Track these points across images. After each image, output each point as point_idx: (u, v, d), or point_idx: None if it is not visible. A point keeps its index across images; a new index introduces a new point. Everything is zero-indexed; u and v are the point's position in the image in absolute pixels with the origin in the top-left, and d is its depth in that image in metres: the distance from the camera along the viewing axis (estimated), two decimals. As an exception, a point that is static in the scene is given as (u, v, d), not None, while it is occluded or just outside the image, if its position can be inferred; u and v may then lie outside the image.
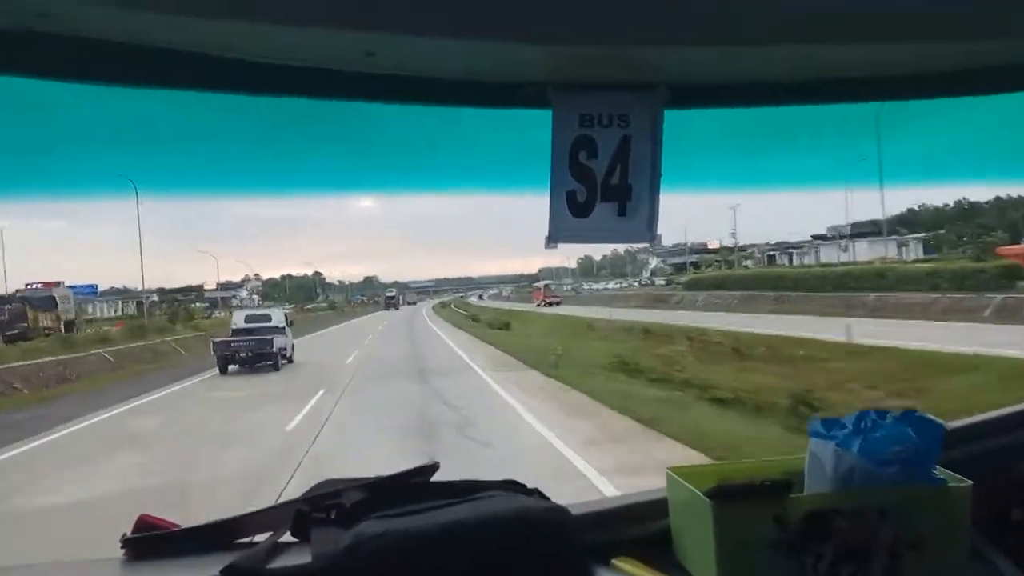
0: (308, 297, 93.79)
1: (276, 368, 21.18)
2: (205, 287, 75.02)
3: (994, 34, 0.98)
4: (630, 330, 27.24)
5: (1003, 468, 1.31)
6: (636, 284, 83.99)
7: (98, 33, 0.90)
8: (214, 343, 21.86)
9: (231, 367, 21.21)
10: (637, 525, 1.27)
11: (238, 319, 24.78)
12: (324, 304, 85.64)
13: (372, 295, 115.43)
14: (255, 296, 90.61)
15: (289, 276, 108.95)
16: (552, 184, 1.14)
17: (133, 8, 0.82)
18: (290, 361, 22.95)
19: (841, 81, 1.16)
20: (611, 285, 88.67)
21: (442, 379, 17.82)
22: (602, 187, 1.14)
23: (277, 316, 24.65)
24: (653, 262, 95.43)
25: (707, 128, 1.44)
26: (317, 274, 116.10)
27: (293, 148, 1.73)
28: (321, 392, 15.97)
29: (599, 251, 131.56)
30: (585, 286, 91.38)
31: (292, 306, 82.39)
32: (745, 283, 43.95)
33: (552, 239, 1.17)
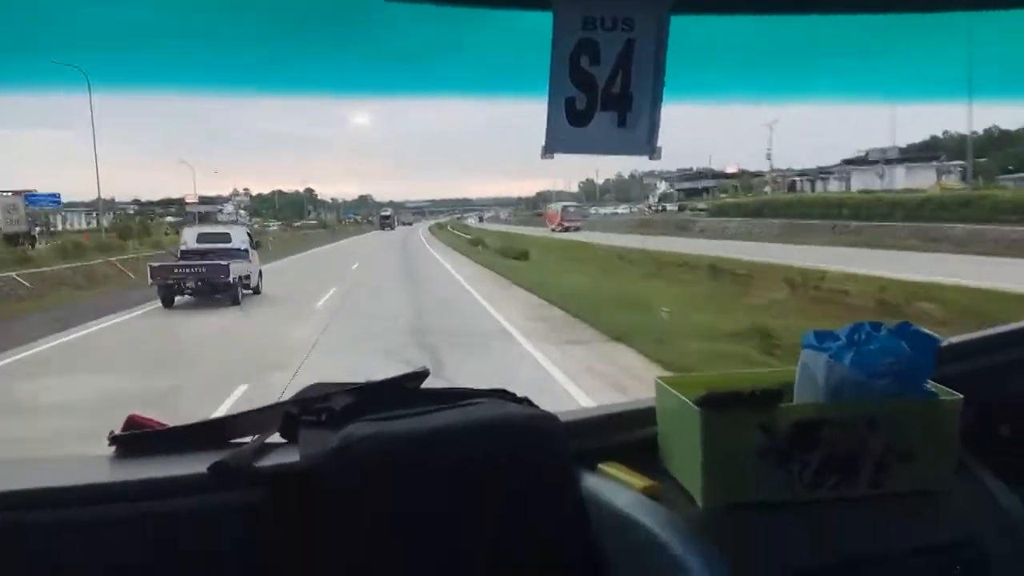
0: (298, 214, 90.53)
1: (236, 301, 16.51)
2: (187, 200, 68.61)
3: None
4: (685, 266, 20.49)
5: (995, 385, 1.31)
6: (647, 209, 79.10)
7: None
8: (151, 268, 16.92)
9: (179, 298, 16.81)
10: (625, 432, 1.28)
11: (188, 238, 19.42)
12: (314, 222, 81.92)
13: (367, 214, 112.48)
14: (242, 211, 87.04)
15: (280, 192, 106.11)
16: (551, 90, 1.10)
17: None
18: (256, 292, 18.36)
19: None
20: (620, 210, 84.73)
21: (466, 358, 9.78)
22: (603, 95, 1.10)
23: (238, 235, 19.26)
24: (661, 186, 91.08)
25: (717, 36, 1.38)
26: (309, 191, 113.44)
27: (286, 46, 1.68)
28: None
29: (602, 174, 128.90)
30: (592, 210, 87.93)
31: (279, 224, 78.95)
32: (790, 210, 37.57)
33: (549, 149, 1.13)
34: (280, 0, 1.17)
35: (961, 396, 1.13)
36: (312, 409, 1.17)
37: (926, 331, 1.11)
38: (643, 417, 1.27)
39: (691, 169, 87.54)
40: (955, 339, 1.38)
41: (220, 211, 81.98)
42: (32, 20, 1.33)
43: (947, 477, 1.14)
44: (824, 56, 1.64)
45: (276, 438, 1.17)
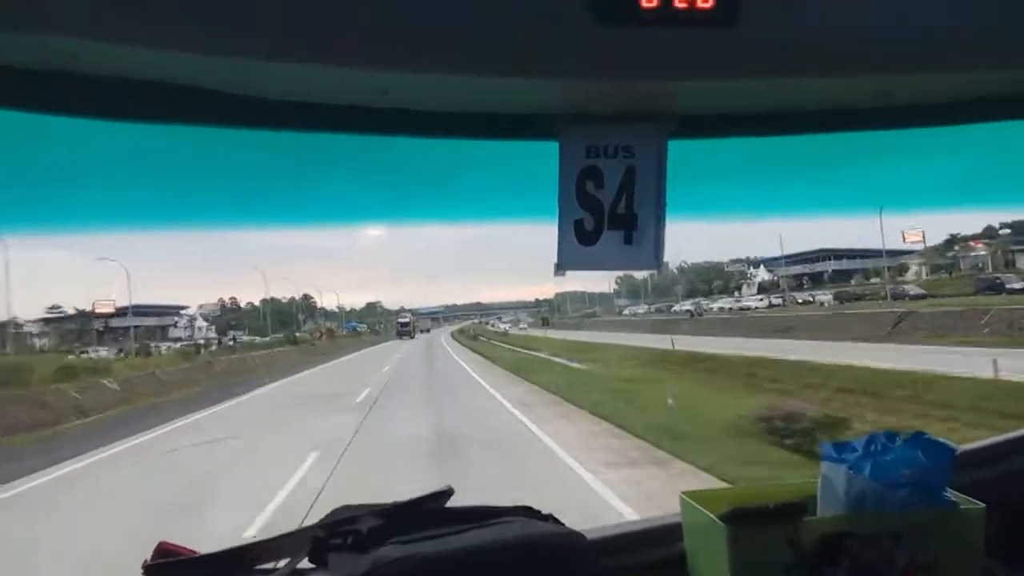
0: (285, 325, 79.82)
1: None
2: (96, 309, 55.34)
3: (997, 63, 1.04)
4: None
5: (1016, 491, 1.34)
6: (743, 303, 61.25)
7: (125, 72, 0.97)
8: None
9: None
10: (652, 549, 1.31)
11: None
12: (282, 337, 63.20)
13: (374, 323, 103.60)
14: (199, 323, 74.22)
15: (273, 299, 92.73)
16: (560, 213, 1.21)
17: (159, 48, 0.89)
18: None
19: (847, 111, 1.22)
20: (682, 307, 67.56)
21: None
22: (609, 216, 1.20)
23: None
24: (759, 273, 75.39)
25: (715, 157, 1.51)
26: (306, 298, 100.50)
27: (302, 180, 1.80)
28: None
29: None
30: (634, 309, 78.24)
31: (231, 337, 65.43)
32: None
33: (561, 266, 1.24)
34: (285, 138, 1.28)
35: (983, 505, 1.17)
36: (339, 532, 1.20)
37: (940, 440, 1.17)
38: (669, 533, 1.30)
39: (792, 253, 69.33)
40: (968, 446, 1.42)
41: (174, 324, 71.62)
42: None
43: None
44: (821, 170, 1.77)
45: (305, 563, 1.20)
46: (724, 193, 1.76)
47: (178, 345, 51.20)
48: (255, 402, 22.12)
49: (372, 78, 0.99)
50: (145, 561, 1.20)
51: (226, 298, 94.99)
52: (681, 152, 1.26)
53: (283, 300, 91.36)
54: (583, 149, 1.20)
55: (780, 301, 57.66)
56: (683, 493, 1.27)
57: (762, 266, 76.40)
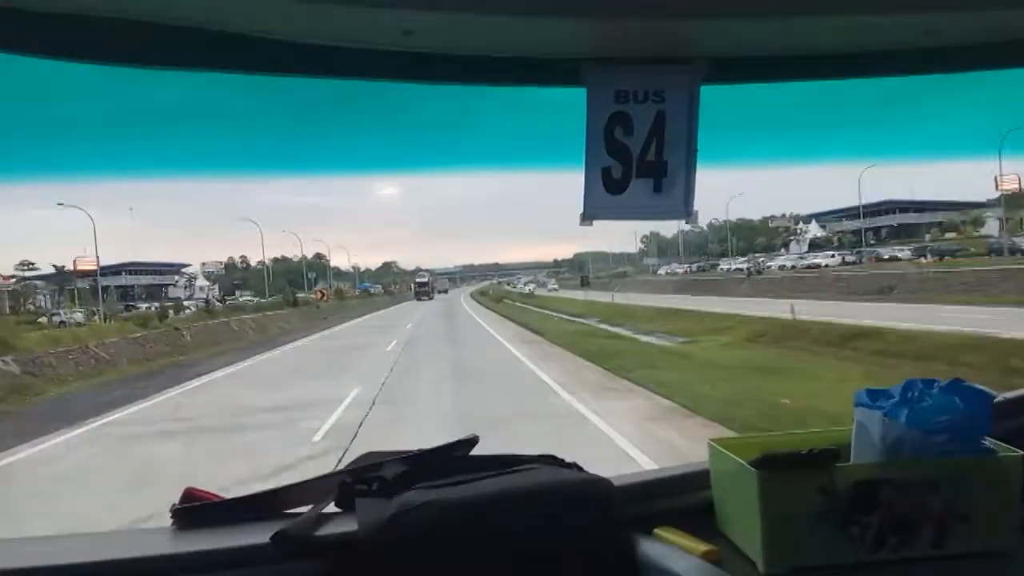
0: (294, 285, 73.59)
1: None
2: (77, 266, 47.17)
3: None
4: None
5: None
6: (790, 265, 55.20)
7: (136, 14, 0.94)
8: None
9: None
10: (679, 496, 1.30)
11: None
12: (281, 297, 56.81)
13: (389, 283, 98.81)
14: (200, 282, 70.45)
15: (283, 258, 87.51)
16: (587, 161, 1.18)
17: None
18: None
19: (892, 52, 1.17)
20: (733, 264, 60.78)
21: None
22: (637, 163, 1.17)
23: None
24: (811, 229, 69.05)
25: (748, 102, 1.46)
26: (319, 257, 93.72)
27: (318, 129, 1.77)
28: None
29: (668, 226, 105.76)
30: (671, 268, 73.81)
31: (221, 296, 60.47)
32: None
33: (587, 216, 1.21)
34: (298, 84, 1.25)
35: (1021, 452, 1.15)
36: (365, 478, 1.21)
37: (979, 387, 1.14)
38: (698, 480, 1.29)
39: (845, 207, 62.66)
40: (1010, 394, 1.40)
41: (174, 283, 69.40)
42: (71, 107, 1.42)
43: (1010, 537, 1.15)
44: (848, 119, 1.72)
45: (331, 508, 1.20)
46: (759, 141, 1.71)
47: (186, 305, 46.04)
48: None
49: (395, 17, 0.96)
50: (173, 505, 1.21)
51: (236, 256, 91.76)
52: (714, 97, 1.22)
53: (293, 259, 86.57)
54: (612, 94, 1.17)
55: (855, 258, 52.21)
56: (712, 440, 1.26)
57: (814, 221, 69.90)
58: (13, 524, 6.77)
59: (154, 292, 67.62)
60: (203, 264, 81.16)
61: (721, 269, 62.41)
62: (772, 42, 1.14)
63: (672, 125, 1.17)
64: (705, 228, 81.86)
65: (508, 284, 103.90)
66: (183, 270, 72.91)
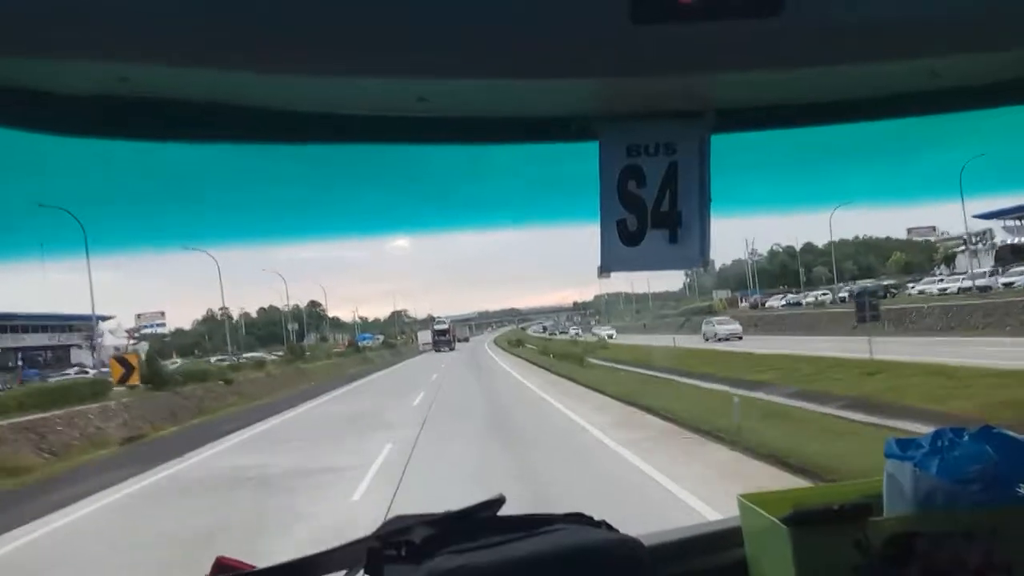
0: (275, 339, 63.79)
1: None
2: None
3: None
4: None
5: None
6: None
7: (171, 93, 1.00)
8: None
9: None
10: (711, 555, 1.31)
11: None
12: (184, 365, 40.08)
13: (395, 333, 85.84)
14: (108, 340, 50.64)
15: (270, 308, 75.02)
16: (602, 214, 1.22)
17: (202, 67, 0.91)
18: None
19: (893, 97, 1.21)
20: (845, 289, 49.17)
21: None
22: (652, 215, 1.21)
23: None
24: (996, 234, 52.18)
25: (755, 149, 1.51)
26: (313, 305, 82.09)
27: (332, 195, 1.82)
28: None
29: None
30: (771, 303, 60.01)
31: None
32: None
33: (604, 268, 1.24)
34: (321, 151, 1.30)
35: None
36: (393, 543, 1.21)
37: (1012, 433, 1.15)
38: (729, 537, 1.29)
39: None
40: None
41: (80, 344, 49.92)
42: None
43: None
44: (862, 160, 1.76)
45: (361, 574, 1.21)
46: (766, 186, 1.75)
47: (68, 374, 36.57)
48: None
49: (410, 86, 1.01)
50: None
51: (216, 309, 78.42)
52: (723, 146, 1.26)
53: (284, 309, 73.82)
54: (623, 148, 1.21)
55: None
56: (741, 496, 1.26)
57: (999, 222, 51.26)
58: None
59: (61, 355, 53.44)
60: (139, 316, 63.14)
61: (845, 295, 48.51)
62: (779, 91, 1.18)
63: (684, 176, 1.21)
64: (764, 255, 77.23)
65: (528, 329, 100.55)
66: (102, 324, 50.22)
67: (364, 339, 78.44)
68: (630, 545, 1.21)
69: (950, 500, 1.12)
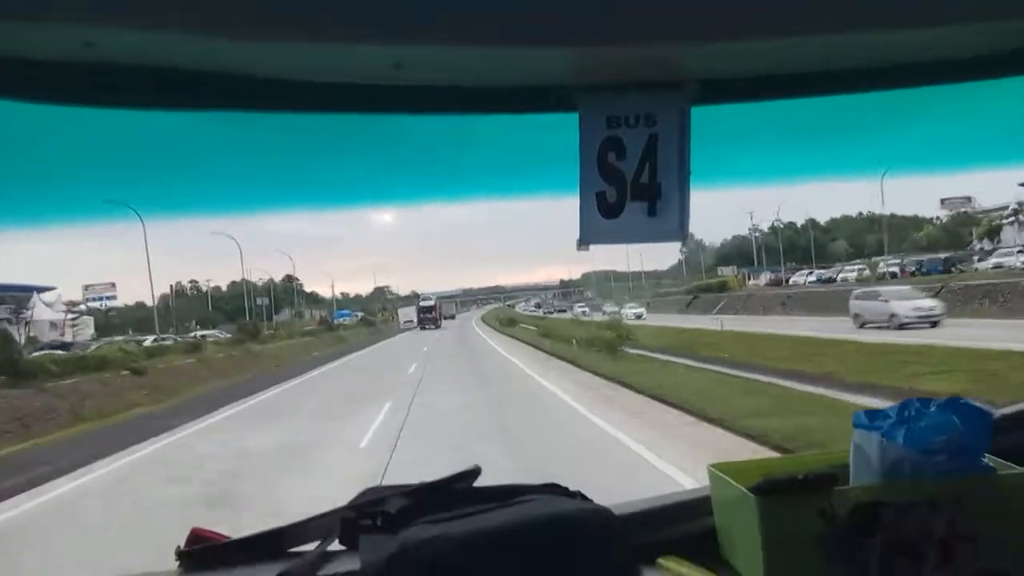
0: (243, 316, 56.60)
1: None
2: None
3: None
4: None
5: None
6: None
7: (135, 59, 0.98)
8: None
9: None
10: (681, 524, 1.32)
11: None
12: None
13: (377, 309, 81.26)
14: (44, 314, 43.71)
15: (244, 282, 65.25)
16: (581, 186, 1.22)
17: (168, 32, 0.90)
18: None
19: (877, 69, 1.21)
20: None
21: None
22: (632, 187, 1.21)
23: None
24: None
25: (736, 121, 1.50)
26: (289, 280, 75.91)
27: (310, 163, 1.80)
28: None
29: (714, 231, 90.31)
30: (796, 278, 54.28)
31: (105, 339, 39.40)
32: None
33: (584, 240, 1.25)
34: (287, 119, 1.29)
35: (1022, 469, 1.16)
36: (368, 513, 1.23)
37: (978, 404, 1.16)
38: (699, 507, 1.31)
39: None
40: (1008, 409, 1.41)
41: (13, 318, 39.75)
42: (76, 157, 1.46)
43: (1017, 557, 1.16)
44: (839, 133, 1.75)
45: (335, 545, 1.22)
46: (749, 158, 1.74)
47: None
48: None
49: (385, 53, 1.00)
50: (179, 548, 1.23)
51: (185, 281, 74.38)
52: (702, 118, 1.25)
53: (258, 283, 68.64)
54: (603, 120, 1.20)
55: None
56: (711, 465, 1.28)
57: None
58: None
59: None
60: (86, 287, 54.17)
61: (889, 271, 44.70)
62: (762, 61, 1.17)
63: (664, 148, 1.20)
64: (765, 231, 72.60)
65: (515, 306, 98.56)
66: (38, 296, 45.26)
67: (342, 315, 73.13)
68: (602, 514, 1.22)
69: (916, 470, 1.14)
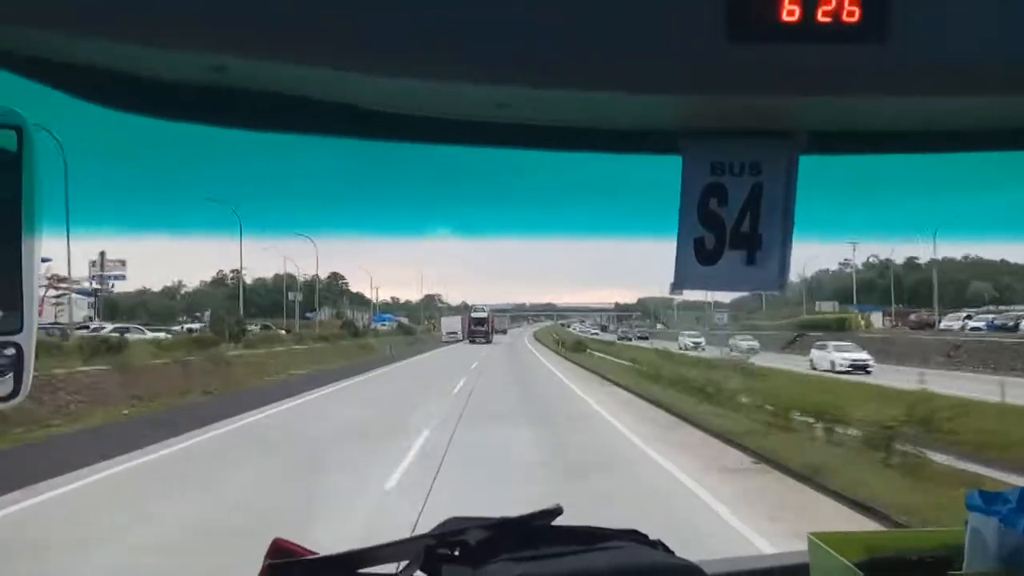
0: (267, 312, 55.01)
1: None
2: None
3: None
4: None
5: None
6: None
7: (265, 85, 1.01)
8: None
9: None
10: None
11: None
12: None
13: (419, 318, 75.68)
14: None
15: (288, 276, 60.98)
16: (680, 230, 1.20)
17: (298, 63, 0.93)
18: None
19: (989, 131, 1.18)
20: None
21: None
22: (731, 235, 1.19)
23: None
24: None
25: (836, 174, 1.47)
26: (336, 278, 70.89)
27: (378, 193, 1.84)
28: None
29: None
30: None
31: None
32: None
33: (677, 285, 1.23)
34: (383, 154, 1.32)
35: None
36: (449, 543, 1.22)
37: None
38: (796, 574, 1.27)
39: None
40: None
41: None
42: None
43: None
44: (964, 194, 1.70)
45: (417, 572, 1.22)
46: (846, 211, 1.71)
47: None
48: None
49: (490, 93, 1.00)
50: (267, 561, 1.24)
51: (227, 271, 69.31)
52: (806, 167, 1.23)
53: (304, 278, 62.67)
54: (707, 165, 1.19)
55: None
56: (811, 534, 1.24)
57: None
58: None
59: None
60: (92, 263, 48.87)
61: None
62: (871, 118, 1.15)
63: (768, 197, 1.18)
64: (859, 267, 67.76)
65: (570, 327, 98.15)
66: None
67: (382, 319, 67.91)
68: (689, 570, 1.19)
69: (1035, 560, 1.08)
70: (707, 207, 1.19)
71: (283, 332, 43.14)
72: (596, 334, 75.58)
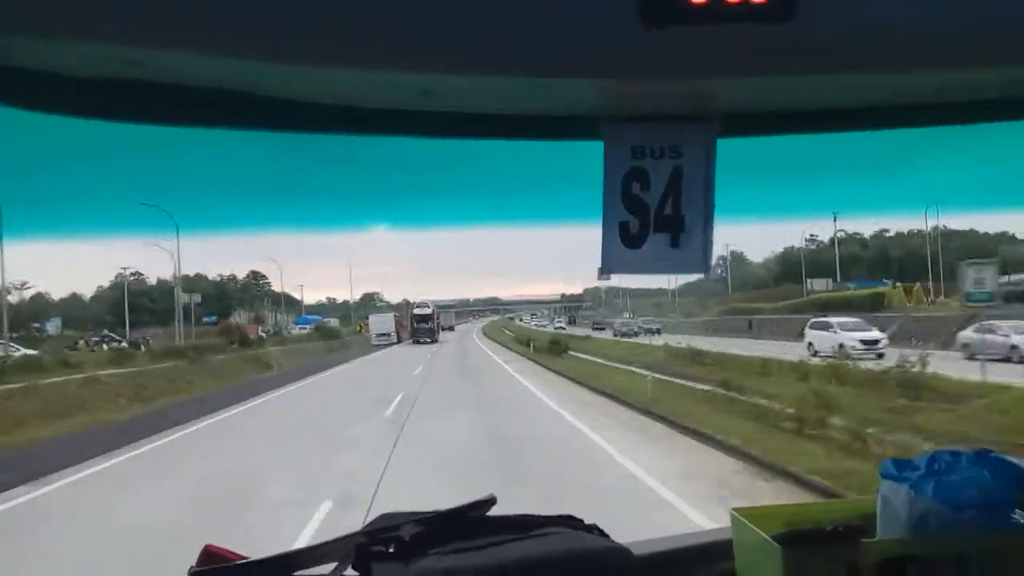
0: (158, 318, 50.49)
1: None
2: None
3: None
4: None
5: None
6: None
7: (179, 79, 1.00)
8: None
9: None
10: (700, 567, 1.30)
11: None
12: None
13: (362, 317, 66.43)
14: None
15: (195, 277, 58.31)
16: (604, 215, 1.22)
17: (212, 54, 0.92)
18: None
19: (901, 107, 1.22)
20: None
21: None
22: (655, 218, 1.20)
23: None
24: None
25: (760, 155, 1.50)
26: (255, 276, 64.75)
27: (308, 185, 1.80)
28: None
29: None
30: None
31: None
32: None
33: (605, 269, 1.25)
34: (306, 145, 1.30)
35: None
36: (382, 539, 1.21)
37: (1008, 458, 1.15)
38: (719, 550, 1.30)
39: None
40: None
41: None
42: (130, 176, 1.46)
43: None
44: (868, 170, 1.76)
45: (349, 571, 1.21)
46: (770, 193, 1.75)
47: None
48: None
49: (415, 80, 1.00)
50: (192, 568, 1.21)
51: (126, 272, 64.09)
52: (727, 150, 1.25)
53: (222, 279, 59.97)
54: (628, 150, 1.21)
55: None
56: (734, 509, 1.26)
57: None
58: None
59: None
60: None
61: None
62: (787, 97, 1.18)
63: (689, 179, 1.20)
64: (824, 242, 66.99)
65: (518, 319, 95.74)
66: None
67: (306, 322, 62.19)
68: (619, 553, 1.21)
69: (944, 524, 1.13)
70: (630, 191, 1.20)
71: (140, 347, 35.82)
72: (562, 327, 66.54)
